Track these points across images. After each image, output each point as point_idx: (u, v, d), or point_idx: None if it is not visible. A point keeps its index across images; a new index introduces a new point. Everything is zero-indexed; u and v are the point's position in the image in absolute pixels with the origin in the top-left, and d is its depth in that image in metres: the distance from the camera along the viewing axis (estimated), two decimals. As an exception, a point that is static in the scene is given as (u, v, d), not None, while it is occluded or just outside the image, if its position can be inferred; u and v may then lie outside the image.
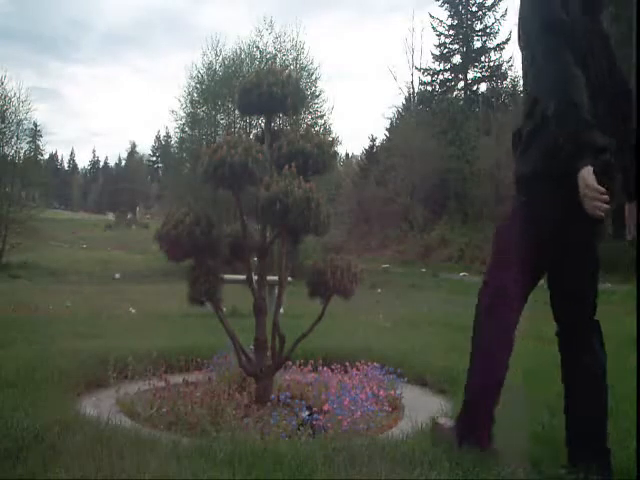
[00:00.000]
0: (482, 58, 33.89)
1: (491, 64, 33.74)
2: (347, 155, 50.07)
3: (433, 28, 34.10)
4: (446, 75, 34.62)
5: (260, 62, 23.52)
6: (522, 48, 2.22)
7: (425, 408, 2.93)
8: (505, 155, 25.29)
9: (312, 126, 19.96)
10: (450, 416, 2.55)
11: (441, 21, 33.85)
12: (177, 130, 26.97)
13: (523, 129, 2.22)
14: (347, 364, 3.82)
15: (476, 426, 2.28)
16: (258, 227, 3.27)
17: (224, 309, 3.25)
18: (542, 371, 4.04)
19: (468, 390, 2.32)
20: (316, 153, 3.06)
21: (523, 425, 2.64)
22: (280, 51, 25.08)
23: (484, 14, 33.57)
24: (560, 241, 2.15)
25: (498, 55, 33.43)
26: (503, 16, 32.79)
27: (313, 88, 24.60)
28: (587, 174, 1.91)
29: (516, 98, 32.04)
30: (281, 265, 3.23)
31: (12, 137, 25.32)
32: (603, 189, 1.91)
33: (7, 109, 24.60)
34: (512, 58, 33.25)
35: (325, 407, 2.94)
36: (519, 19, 2.21)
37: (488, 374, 2.27)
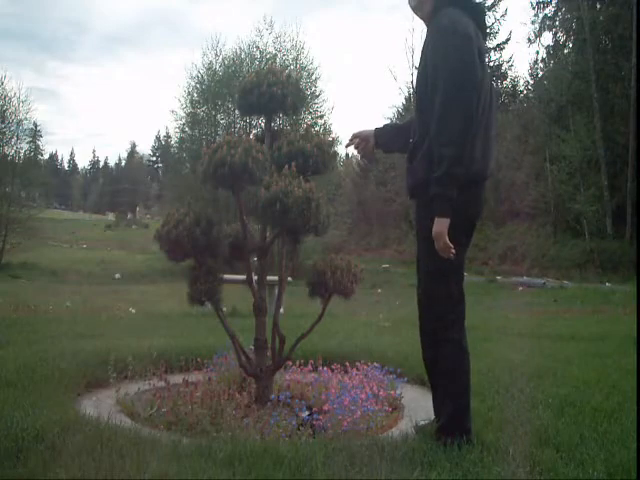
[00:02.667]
0: (482, 58, 33.86)
1: (491, 64, 33.76)
2: (347, 155, 50.04)
3: (433, 28, 34.04)
4: (446, 75, 34.54)
5: (260, 62, 23.53)
6: (428, 77, 2.36)
7: (425, 408, 2.92)
8: (505, 155, 25.32)
9: (312, 126, 19.95)
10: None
11: (441, 21, 33.79)
12: (177, 130, 27.04)
13: (414, 149, 2.46)
14: (347, 364, 3.82)
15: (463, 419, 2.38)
16: (258, 227, 3.27)
17: (224, 309, 3.25)
18: (548, 371, 4.04)
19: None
20: (316, 153, 3.06)
21: (527, 425, 2.63)
22: (280, 51, 25.12)
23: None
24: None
25: (498, 55, 33.47)
26: (503, 16, 32.74)
27: (313, 88, 24.66)
28: (439, 225, 2.23)
29: (516, 98, 32.06)
30: (281, 265, 3.23)
31: (12, 137, 25.37)
32: (450, 245, 2.23)
33: (7, 109, 24.65)
34: (512, 58, 33.31)
35: (325, 407, 2.94)
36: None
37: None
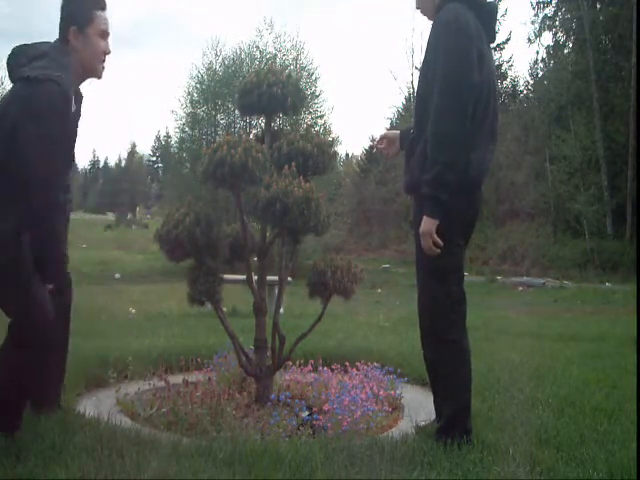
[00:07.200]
0: (482, 58, 33.82)
1: (491, 64, 33.70)
2: (347, 155, 50.04)
3: (433, 28, 34.03)
4: (446, 75, 34.52)
5: (260, 62, 23.51)
6: (427, 79, 2.35)
7: (425, 408, 2.93)
8: (505, 155, 25.32)
9: (312, 126, 19.97)
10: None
11: (441, 21, 33.77)
12: (177, 130, 26.91)
13: (411, 144, 2.46)
14: (347, 364, 3.82)
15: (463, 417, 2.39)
16: (258, 227, 3.27)
17: (224, 309, 3.25)
18: (548, 371, 4.05)
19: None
20: (316, 153, 3.06)
21: (527, 425, 2.64)
22: (280, 51, 25.07)
23: (484, 14, 33.47)
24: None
25: (498, 55, 33.42)
26: (503, 16, 32.69)
27: (313, 88, 24.59)
28: (427, 225, 2.25)
29: (516, 98, 32.05)
30: (281, 265, 3.23)
31: (12, 137, 25.35)
32: (439, 242, 2.25)
33: (7, 109, 24.63)
34: (512, 58, 33.29)
35: (325, 407, 2.94)
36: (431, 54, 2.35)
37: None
